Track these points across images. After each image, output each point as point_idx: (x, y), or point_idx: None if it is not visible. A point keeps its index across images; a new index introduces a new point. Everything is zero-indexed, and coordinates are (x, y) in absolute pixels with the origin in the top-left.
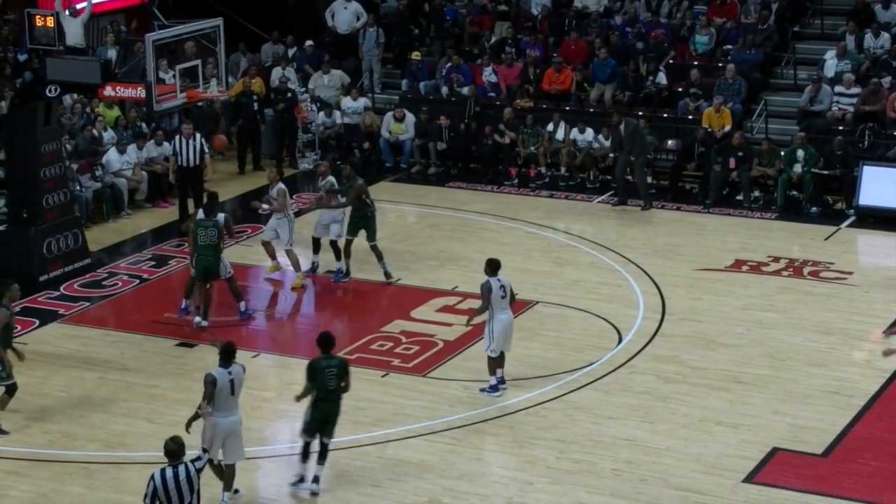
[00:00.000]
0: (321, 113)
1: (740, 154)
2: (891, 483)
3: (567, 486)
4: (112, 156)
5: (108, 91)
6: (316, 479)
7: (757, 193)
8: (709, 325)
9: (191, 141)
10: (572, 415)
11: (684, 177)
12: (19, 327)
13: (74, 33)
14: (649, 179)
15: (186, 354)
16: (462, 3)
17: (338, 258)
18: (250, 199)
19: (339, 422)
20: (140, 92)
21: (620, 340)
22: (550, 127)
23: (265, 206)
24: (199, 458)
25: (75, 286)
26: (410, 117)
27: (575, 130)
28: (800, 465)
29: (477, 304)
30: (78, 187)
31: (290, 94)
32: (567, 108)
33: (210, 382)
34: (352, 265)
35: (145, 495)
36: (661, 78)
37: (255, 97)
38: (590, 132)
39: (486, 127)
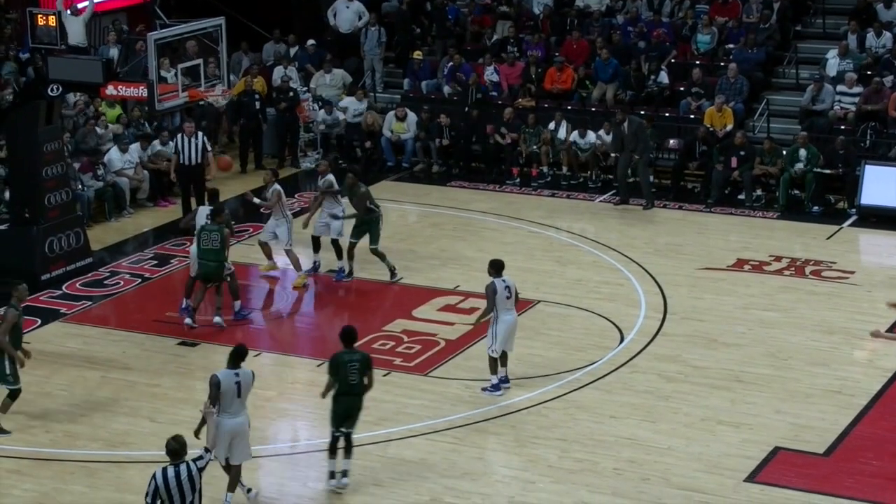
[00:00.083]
0: (321, 111)
1: (742, 153)
2: (893, 482)
3: (569, 486)
4: (114, 155)
5: (110, 90)
6: (344, 474)
7: (759, 192)
8: (711, 324)
9: (193, 139)
10: (574, 414)
11: (686, 176)
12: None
13: (76, 32)
14: (651, 178)
15: (188, 353)
16: (464, 3)
17: (339, 257)
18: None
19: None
20: (142, 91)
21: (622, 340)
22: (552, 126)
23: (257, 199)
24: (200, 458)
25: (77, 285)
26: (412, 116)
27: (576, 133)
28: (802, 464)
29: (479, 303)
30: (80, 186)
31: (291, 94)
32: (569, 107)
33: (214, 384)
34: (353, 265)
35: (146, 494)
36: (663, 77)
37: (256, 96)
38: (591, 135)
39: (488, 126)
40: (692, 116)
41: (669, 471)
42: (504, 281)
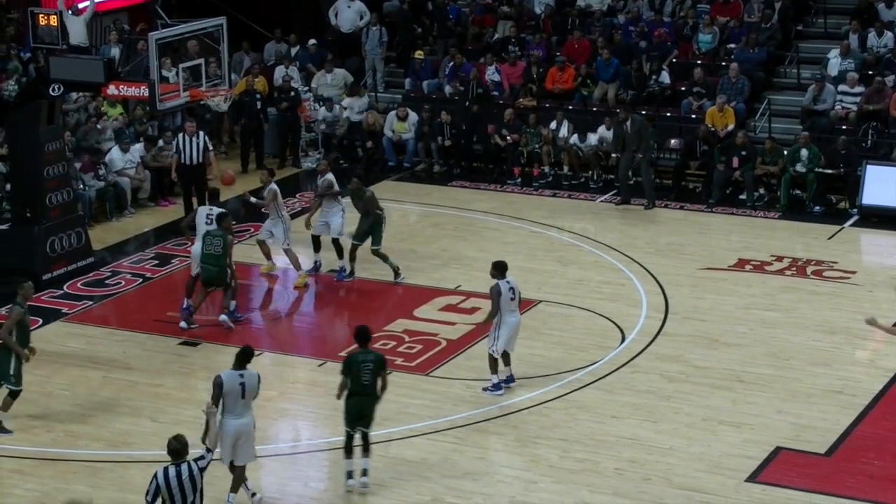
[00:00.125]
0: (322, 108)
1: (744, 153)
2: (894, 483)
3: (570, 486)
4: (115, 154)
5: (112, 90)
6: (364, 473)
7: (761, 192)
8: (712, 324)
9: (194, 139)
10: (575, 414)
11: (687, 176)
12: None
13: (77, 32)
14: (653, 178)
15: (191, 353)
16: (465, 3)
17: (340, 256)
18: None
19: (339, 419)
20: (143, 91)
21: (623, 339)
22: (553, 125)
23: (253, 199)
24: (202, 458)
25: (78, 285)
26: (413, 116)
27: (576, 137)
28: (803, 464)
29: (480, 302)
30: (81, 186)
31: (293, 93)
32: (570, 107)
33: (217, 385)
34: (355, 265)
35: (147, 492)
36: (665, 77)
37: (258, 96)
38: (592, 138)
39: (489, 126)
40: (693, 116)
41: (671, 471)
42: (508, 282)
